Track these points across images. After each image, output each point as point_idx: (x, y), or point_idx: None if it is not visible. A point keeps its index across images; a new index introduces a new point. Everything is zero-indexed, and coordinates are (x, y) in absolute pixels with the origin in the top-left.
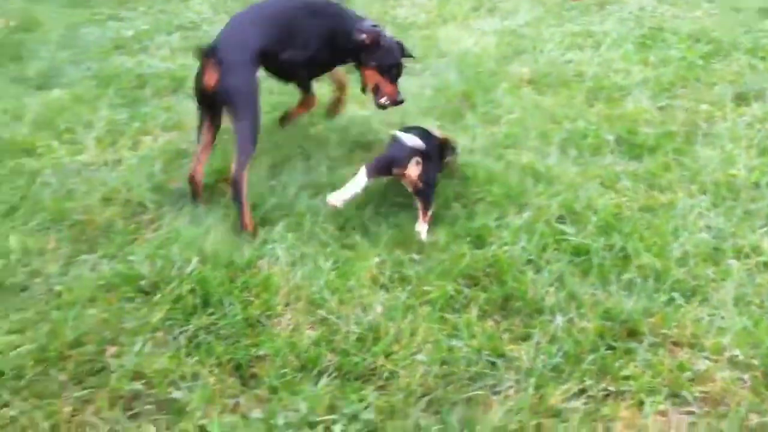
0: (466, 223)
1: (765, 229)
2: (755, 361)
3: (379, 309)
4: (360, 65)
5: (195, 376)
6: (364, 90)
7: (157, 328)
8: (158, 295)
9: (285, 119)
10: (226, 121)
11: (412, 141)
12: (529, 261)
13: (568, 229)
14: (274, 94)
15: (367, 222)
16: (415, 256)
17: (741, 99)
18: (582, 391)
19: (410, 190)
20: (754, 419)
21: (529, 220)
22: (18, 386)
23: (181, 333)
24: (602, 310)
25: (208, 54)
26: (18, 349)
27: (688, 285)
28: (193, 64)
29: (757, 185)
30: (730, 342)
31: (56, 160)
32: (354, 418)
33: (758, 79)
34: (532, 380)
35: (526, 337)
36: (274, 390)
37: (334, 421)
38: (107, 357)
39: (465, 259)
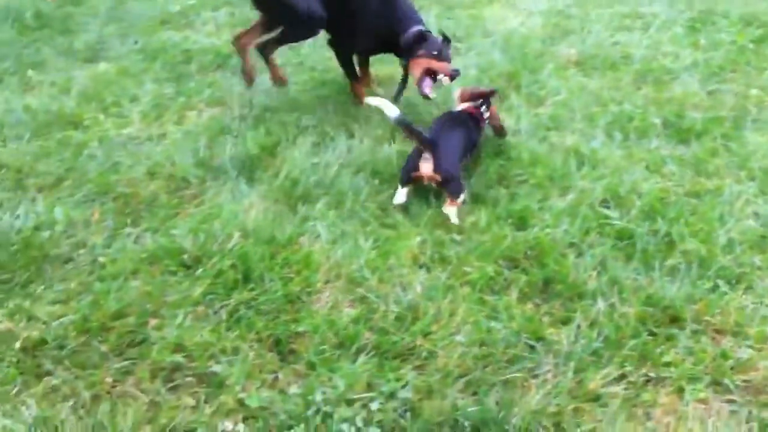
0: (508, 204)
1: None
2: None
3: (418, 289)
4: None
5: (235, 351)
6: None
7: (198, 301)
8: (200, 270)
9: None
10: None
11: (390, 111)
12: (572, 244)
13: (611, 213)
14: (316, 71)
15: (408, 202)
16: (456, 237)
17: None
18: (622, 377)
19: (434, 186)
20: None
21: (572, 203)
22: (60, 356)
23: (221, 307)
24: (644, 295)
25: None
26: (61, 320)
27: (733, 272)
28: None
29: None
30: None
31: (102, 133)
32: (391, 396)
33: None
34: (572, 364)
35: (566, 321)
36: (312, 366)
37: (372, 399)
38: (149, 329)
39: (506, 240)
